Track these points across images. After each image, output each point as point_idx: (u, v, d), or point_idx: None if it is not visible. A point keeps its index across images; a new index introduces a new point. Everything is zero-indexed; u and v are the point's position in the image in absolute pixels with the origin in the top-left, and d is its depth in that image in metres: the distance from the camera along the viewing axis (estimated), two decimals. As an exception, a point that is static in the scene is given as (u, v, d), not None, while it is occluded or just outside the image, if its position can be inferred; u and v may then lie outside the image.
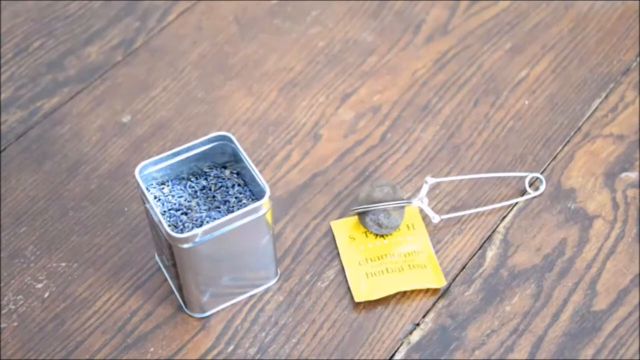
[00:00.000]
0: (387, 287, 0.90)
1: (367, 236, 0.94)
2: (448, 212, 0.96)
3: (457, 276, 0.92)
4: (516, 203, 0.97)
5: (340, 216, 0.97)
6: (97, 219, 0.97)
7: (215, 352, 0.88)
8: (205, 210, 0.88)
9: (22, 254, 0.95)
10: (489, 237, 0.94)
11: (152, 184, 0.89)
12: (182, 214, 0.87)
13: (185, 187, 0.89)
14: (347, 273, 0.92)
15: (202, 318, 0.90)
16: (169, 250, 0.85)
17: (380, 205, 0.92)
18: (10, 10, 1.16)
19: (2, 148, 1.03)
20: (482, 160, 1.00)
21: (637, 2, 1.13)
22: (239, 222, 0.84)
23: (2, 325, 0.90)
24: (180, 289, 0.89)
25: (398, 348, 0.87)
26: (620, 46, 1.09)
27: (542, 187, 0.97)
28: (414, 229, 0.95)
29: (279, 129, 1.04)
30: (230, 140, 0.89)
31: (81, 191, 0.99)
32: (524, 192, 0.97)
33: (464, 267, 0.92)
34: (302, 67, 1.09)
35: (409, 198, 0.97)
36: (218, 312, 0.90)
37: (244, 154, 0.87)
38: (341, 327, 0.89)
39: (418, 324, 0.89)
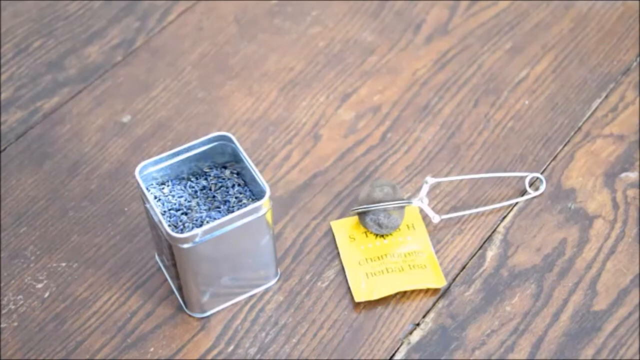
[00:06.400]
0: (387, 287, 0.90)
1: (367, 236, 0.94)
2: (448, 212, 0.96)
3: (457, 276, 0.92)
4: (516, 203, 0.97)
5: (340, 216, 0.97)
6: (97, 219, 0.97)
7: (215, 352, 0.88)
8: (205, 210, 0.88)
9: (22, 254, 0.95)
10: (489, 237, 0.94)
11: (152, 184, 0.89)
12: (182, 214, 0.87)
13: (185, 187, 0.89)
14: (347, 273, 0.92)
15: (202, 318, 0.90)
16: (169, 250, 0.85)
17: (381, 205, 0.92)
18: (10, 10, 1.16)
19: (2, 148, 1.03)
20: (482, 160, 1.00)
21: (637, 2, 1.13)
22: (239, 222, 0.84)
23: (2, 325, 0.90)
24: (180, 289, 0.89)
25: (398, 348, 0.87)
26: (620, 46, 1.09)
27: (542, 187, 0.97)
28: (414, 229, 0.95)
29: (279, 129, 1.04)
30: (230, 140, 0.89)
31: (81, 191, 0.99)
32: (524, 192, 0.97)
33: (464, 267, 0.92)
34: (302, 67, 1.09)
35: (409, 198, 0.97)
36: (218, 312, 0.90)
37: (244, 154, 0.87)
38: (341, 327, 0.89)
39: (418, 324, 0.89)
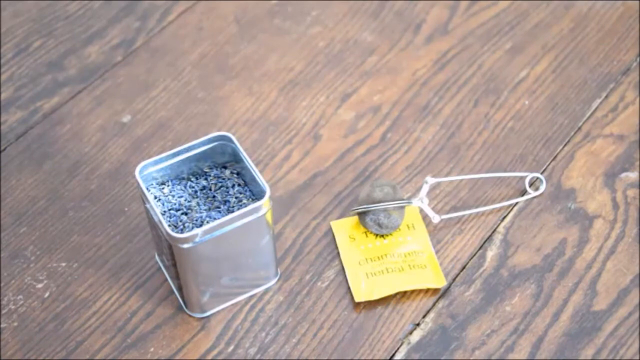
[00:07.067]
0: (387, 287, 0.90)
1: (367, 236, 0.94)
2: (448, 212, 0.96)
3: (457, 276, 0.92)
4: (516, 203, 0.97)
5: (340, 216, 0.97)
6: (97, 219, 0.97)
7: (215, 352, 0.88)
8: (205, 210, 0.88)
9: (22, 254, 0.95)
10: (489, 237, 0.94)
11: (152, 184, 0.89)
12: (182, 214, 0.87)
13: (185, 187, 0.89)
14: (347, 273, 0.92)
15: (202, 318, 0.90)
16: (169, 250, 0.85)
17: (381, 205, 0.92)
18: (10, 10, 1.16)
19: (2, 148, 1.03)
20: (482, 160, 1.00)
21: (637, 2, 1.13)
22: (239, 222, 0.84)
23: (2, 325, 0.90)
24: (180, 289, 0.89)
25: (398, 348, 0.87)
26: (620, 46, 1.09)
27: (542, 187, 0.97)
28: (414, 229, 0.95)
29: (279, 129, 1.04)
30: (230, 140, 0.89)
31: (81, 191, 0.99)
32: (524, 192, 0.97)
33: (464, 267, 0.92)
34: (302, 67, 1.09)
35: (409, 198, 0.97)
36: (218, 312, 0.90)
37: (244, 154, 0.87)
38: (341, 327, 0.89)
39: (418, 324, 0.89)
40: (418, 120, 1.04)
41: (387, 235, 0.94)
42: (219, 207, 0.88)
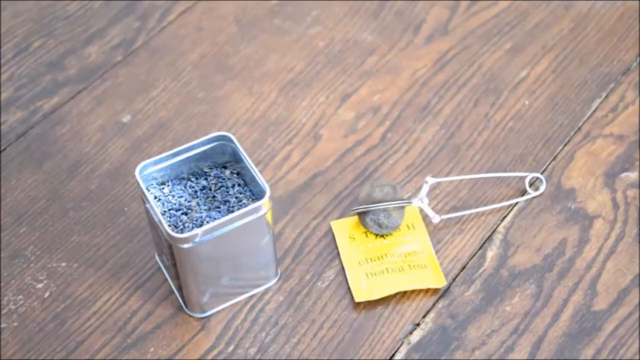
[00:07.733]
0: (387, 287, 0.90)
1: (367, 236, 0.94)
2: (448, 212, 0.96)
3: (457, 276, 0.92)
4: (516, 203, 0.97)
5: (340, 216, 0.97)
6: (97, 219, 0.97)
7: (215, 352, 0.88)
8: (205, 210, 0.88)
9: (22, 254, 0.95)
10: (489, 237, 0.94)
11: (152, 184, 0.89)
12: (182, 214, 0.87)
13: (185, 187, 0.89)
14: (347, 273, 0.92)
15: (202, 318, 0.90)
16: (169, 250, 0.85)
17: (381, 205, 0.92)
18: (10, 10, 1.16)
19: (2, 148, 1.03)
20: (482, 160, 1.00)
21: (637, 2, 1.13)
22: (239, 222, 0.84)
23: (2, 325, 0.90)
24: (180, 289, 0.89)
25: (398, 348, 0.87)
26: (620, 46, 1.09)
27: (542, 187, 0.97)
28: (414, 229, 0.95)
29: (279, 129, 1.04)
30: (231, 140, 0.89)
31: (81, 191, 0.99)
32: (524, 192, 0.97)
33: (464, 267, 0.92)
34: (302, 67, 1.09)
35: (409, 198, 0.97)
36: (218, 312, 0.90)
37: (244, 154, 0.87)
38: (341, 327, 0.89)
39: (418, 324, 0.89)
40: (418, 120, 1.04)
41: (387, 235, 0.94)
42: (219, 207, 0.88)
